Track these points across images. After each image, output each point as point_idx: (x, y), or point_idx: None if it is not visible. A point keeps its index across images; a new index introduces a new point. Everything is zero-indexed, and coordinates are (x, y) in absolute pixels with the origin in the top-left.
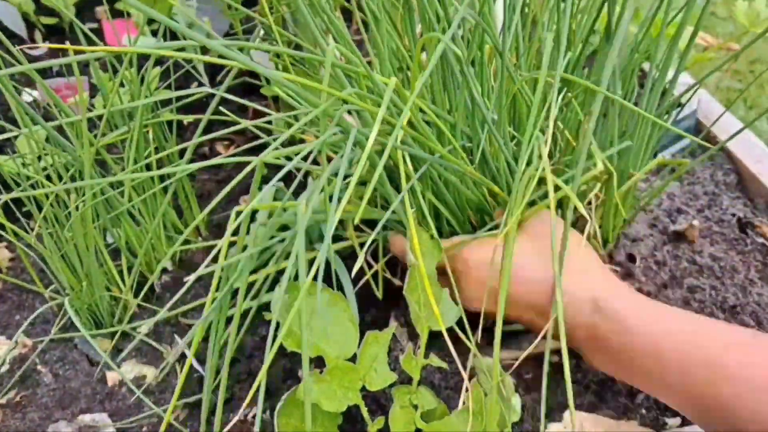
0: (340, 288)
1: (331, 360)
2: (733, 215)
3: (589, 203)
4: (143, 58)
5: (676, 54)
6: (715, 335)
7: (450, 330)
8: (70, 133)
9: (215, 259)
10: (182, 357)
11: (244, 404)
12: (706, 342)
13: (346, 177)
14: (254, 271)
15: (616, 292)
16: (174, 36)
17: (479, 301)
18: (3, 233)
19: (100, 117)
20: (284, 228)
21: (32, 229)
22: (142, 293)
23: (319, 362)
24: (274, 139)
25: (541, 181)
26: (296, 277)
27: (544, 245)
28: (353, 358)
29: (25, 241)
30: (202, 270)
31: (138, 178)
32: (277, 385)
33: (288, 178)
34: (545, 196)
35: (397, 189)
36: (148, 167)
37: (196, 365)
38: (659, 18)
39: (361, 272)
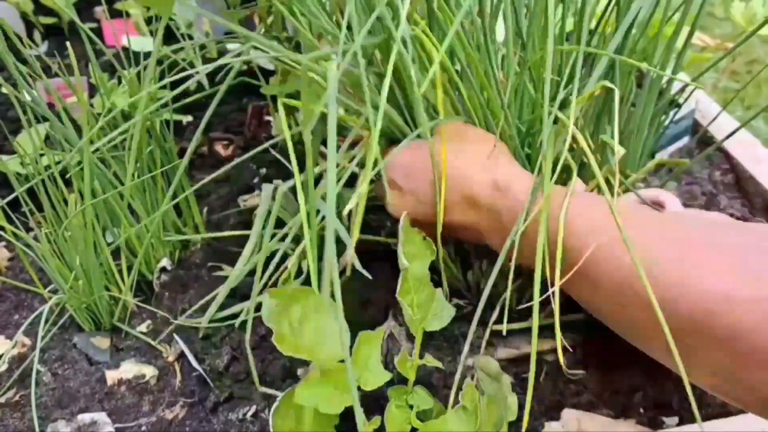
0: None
1: (322, 364)
2: (731, 215)
3: None
4: (142, 57)
5: (673, 54)
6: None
7: (449, 329)
8: (71, 133)
9: (213, 258)
10: (181, 356)
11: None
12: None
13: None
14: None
15: (517, 175)
16: (173, 36)
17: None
18: (2, 233)
19: (99, 115)
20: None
21: (31, 229)
22: (138, 292)
23: None
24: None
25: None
26: (296, 277)
27: (469, 146)
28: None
29: (24, 240)
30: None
31: (138, 178)
32: (277, 384)
33: (288, 179)
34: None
35: None
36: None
37: (195, 364)
38: (656, 18)
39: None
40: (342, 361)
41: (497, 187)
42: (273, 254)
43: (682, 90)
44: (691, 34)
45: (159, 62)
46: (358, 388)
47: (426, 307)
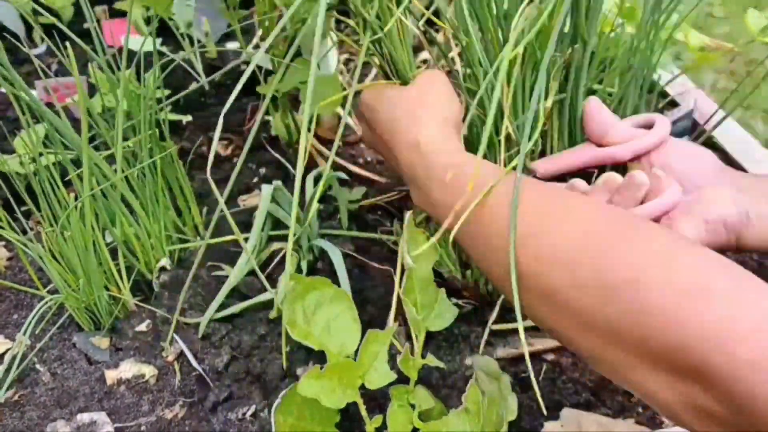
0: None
1: (332, 356)
2: None
3: None
4: (142, 58)
5: (672, 54)
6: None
7: (449, 328)
8: (70, 133)
9: (213, 257)
10: (181, 356)
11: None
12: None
13: None
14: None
15: (438, 139)
16: (173, 36)
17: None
18: (2, 232)
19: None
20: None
21: (31, 228)
22: (138, 291)
23: (319, 359)
24: (274, 138)
25: None
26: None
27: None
28: (355, 355)
29: (23, 240)
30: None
31: (137, 178)
32: (276, 383)
33: (287, 179)
34: None
35: None
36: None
37: (194, 364)
38: (654, 19)
39: (363, 271)
40: (349, 356)
41: (417, 148)
42: (272, 253)
43: (671, 83)
44: (671, 30)
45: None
46: (363, 386)
47: (429, 306)
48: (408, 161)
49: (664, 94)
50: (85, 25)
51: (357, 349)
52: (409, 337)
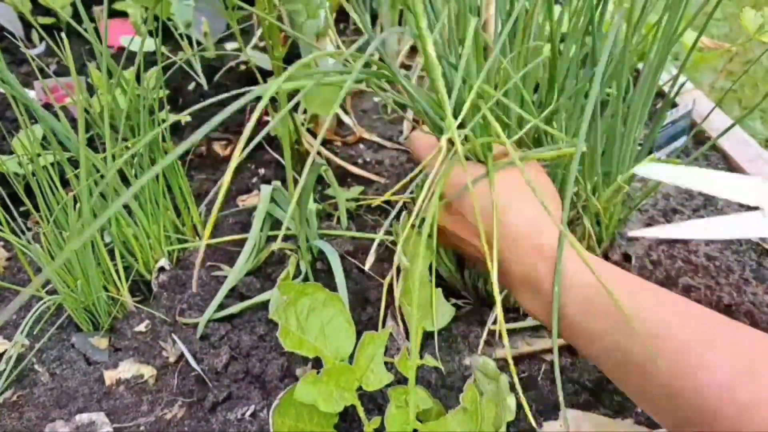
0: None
1: (328, 360)
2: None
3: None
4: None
5: (670, 54)
6: (651, 301)
7: (448, 328)
8: (68, 133)
9: (212, 258)
10: (180, 356)
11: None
12: (641, 304)
13: None
14: (252, 271)
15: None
16: (172, 36)
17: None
18: (1, 233)
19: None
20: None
21: (29, 229)
22: (137, 292)
23: (316, 362)
24: (274, 137)
25: None
26: (294, 277)
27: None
28: (350, 357)
29: (21, 241)
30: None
31: (134, 178)
32: (275, 384)
33: (286, 179)
34: None
35: None
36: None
37: (193, 364)
38: (652, 18)
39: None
40: (344, 359)
41: (541, 251)
42: (272, 253)
43: (674, 87)
44: (677, 31)
45: (156, 62)
46: (360, 388)
47: (426, 306)
48: (528, 263)
49: (662, 94)
50: (83, 25)
51: (353, 352)
52: (407, 337)
